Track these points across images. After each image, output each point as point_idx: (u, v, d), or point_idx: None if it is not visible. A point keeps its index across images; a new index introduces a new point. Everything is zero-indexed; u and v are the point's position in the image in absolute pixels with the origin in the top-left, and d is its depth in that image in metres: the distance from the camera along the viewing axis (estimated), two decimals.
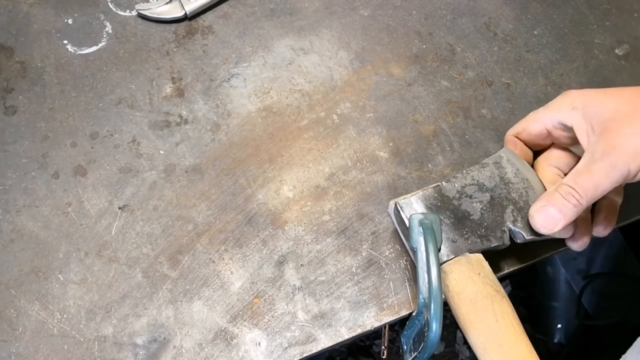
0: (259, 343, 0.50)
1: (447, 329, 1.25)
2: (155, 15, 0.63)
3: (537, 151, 0.56)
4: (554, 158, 0.54)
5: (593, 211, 0.52)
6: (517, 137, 0.55)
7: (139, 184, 0.56)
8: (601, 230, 0.52)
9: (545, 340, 1.16)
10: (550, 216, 0.47)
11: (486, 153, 0.58)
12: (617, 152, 0.45)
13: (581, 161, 0.47)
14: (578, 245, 0.52)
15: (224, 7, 0.65)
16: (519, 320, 0.46)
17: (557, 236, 0.50)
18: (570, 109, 0.49)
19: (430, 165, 0.58)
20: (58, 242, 0.53)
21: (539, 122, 0.52)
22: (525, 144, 0.54)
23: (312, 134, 0.59)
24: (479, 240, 0.49)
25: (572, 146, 0.53)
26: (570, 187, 0.46)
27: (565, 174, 0.54)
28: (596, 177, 0.46)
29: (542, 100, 0.61)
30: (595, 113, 0.47)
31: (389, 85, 0.61)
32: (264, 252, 0.53)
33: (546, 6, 0.66)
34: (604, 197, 0.52)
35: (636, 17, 0.66)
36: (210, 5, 0.64)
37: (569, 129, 0.50)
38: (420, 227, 0.47)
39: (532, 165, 0.55)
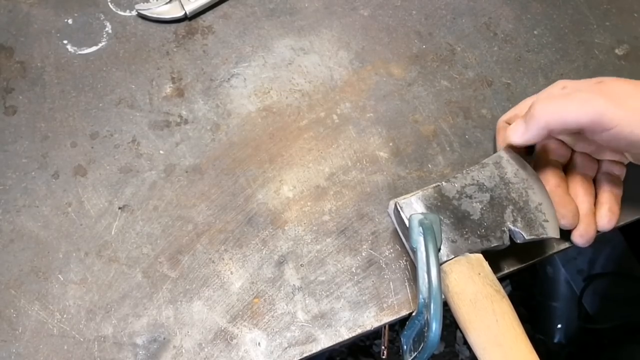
0: (259, 343, 0.50)
1: (447, 329, 1.25)
2: (155, 15, 0.63)
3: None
4: (550, 150, 0.54)
5: (596, 205, 0.52)
6: (508, 123, 0.55)
7: (139, 184, 0.56)
8: (605, 223, 0.51)
9: (545, 340, 1.16)
10: (516, 126, 0.49)
11: (486, 153, 0.58)
12: (599, 92, 0.45)
13: None
14: (584, 240, 0.51)
15: (224, 7, 0.65)
16: (519, 321, 0.46)
17: (562, 226, 0.50)
18: (560, 89, 0.50)
19: (430, 165, 0.58)
20: (58, 242, 0.53)
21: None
22: None
23: (312, 134, 0.59)
24: (479, 240, 0.49)
25: (565, 137, 0.54)
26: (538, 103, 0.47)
27: (564, 167, 0.54)
28: (567, 100, 0.46)
29: None
30: (586, 82, 0.49)
31: (389, 85, 0.61)
32: (264, 252, 0.53)
33: (546, 6, 0.66)
34: (604, 189, 0.52)
35: (636, 17, 0.66)
36: (210, 5, 0.64)
37: None
38: (420, 227, 0.47)
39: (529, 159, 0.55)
